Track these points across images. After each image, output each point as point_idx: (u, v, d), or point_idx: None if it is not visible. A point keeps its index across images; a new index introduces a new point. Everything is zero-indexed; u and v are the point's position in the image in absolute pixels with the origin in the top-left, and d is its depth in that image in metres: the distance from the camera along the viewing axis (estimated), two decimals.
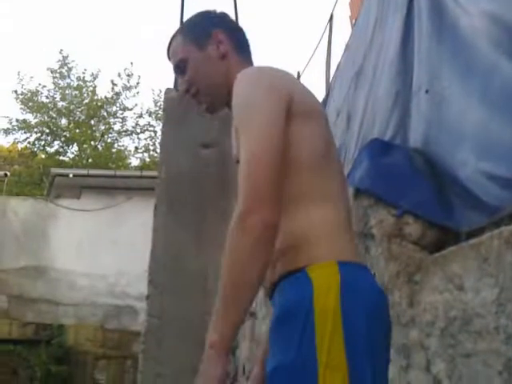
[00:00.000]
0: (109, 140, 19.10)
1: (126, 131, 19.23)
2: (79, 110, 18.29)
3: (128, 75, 18.51)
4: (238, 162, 1.56)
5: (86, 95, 18.44)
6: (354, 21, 4.94)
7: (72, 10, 30.47)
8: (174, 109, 3.55)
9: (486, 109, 2.11)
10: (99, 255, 10.70)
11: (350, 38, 4.66)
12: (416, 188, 2.40)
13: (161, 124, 17.31)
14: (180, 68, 1.72)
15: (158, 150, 18.35)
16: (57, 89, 18.22)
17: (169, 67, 1.76)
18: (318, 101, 1.65)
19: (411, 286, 2.17)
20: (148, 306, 3.30)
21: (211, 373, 1.28)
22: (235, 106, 1.49)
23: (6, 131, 17.70)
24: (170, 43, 1.77)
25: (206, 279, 3.26)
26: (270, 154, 1.35)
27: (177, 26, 3.85)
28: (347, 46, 4.71)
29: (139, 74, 19.05)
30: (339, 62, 4.95)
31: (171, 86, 3.68)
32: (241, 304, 1.31)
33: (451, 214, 2.26)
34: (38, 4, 31.00)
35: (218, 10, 1.81)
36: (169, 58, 1.77)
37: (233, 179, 3.47)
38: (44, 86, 18.06)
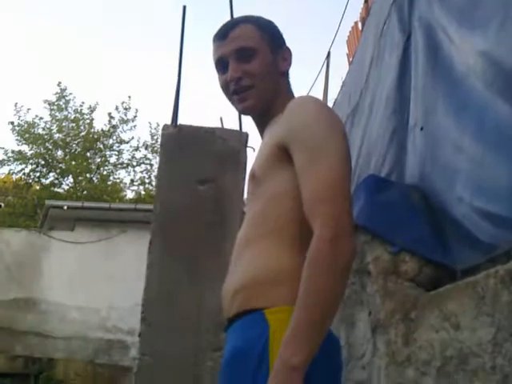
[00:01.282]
0: (104, 172, 19.13)
1: (121, 164, 19.28)
2: (75, 142, 18.34)
3: (125, 109, 18.65)
4: (253, 177, 1.55)
5: (82, 128, 18.52)
6: (351, 58, 5.01)
7: (71, 43, 30.81)
8: (170, 144, 3.56)
9: (481, 147, 2.13)
10: (92, 288, 10.59)
11: (347, 75, 4.72)
12: (412, 225, 2.40)
13: (157, 157, 17.36)
14: (243, 54, 1.59)
15: (154, 184, 18.38)
16: (54, 121, 18.31)
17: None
18: None
19: (407, 323, 2.15)
20: (140, 344, 3.24)
21: None
22: (304, 128, 1.43)
23: (1, 162, 17.72)
24: (235, 25, 1.64)
25: (199, 317, 3.22)
26: (348, 182, 1.37)
27: (176, 56, 3.91)
28: (344, 83, 4.77)
29: (136, 108, 19.08)
30: (336, 98, 5.00)
31: (168, 121, 3.71)
32: (326, 326, 1.27)
33: (447, 251, 2.25)
34: (36, 36, 31.36)
35: None
36: (223, 37, 1.62)
37: (229, 216, 3.49)
38: (41, 118, 18.17)
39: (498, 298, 1.64)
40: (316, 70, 6.14)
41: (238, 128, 3.67)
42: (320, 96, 5.60)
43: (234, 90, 1.61)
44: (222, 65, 1.63)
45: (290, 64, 1.69)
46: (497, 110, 2.03)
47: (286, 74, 1.68)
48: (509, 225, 1.87)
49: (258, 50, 1.60)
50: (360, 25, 5.01)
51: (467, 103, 2.25)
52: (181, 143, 3.54)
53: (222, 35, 1.63)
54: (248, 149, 3.52)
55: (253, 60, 1.59)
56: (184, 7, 3.88)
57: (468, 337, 1.76)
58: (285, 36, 1.72)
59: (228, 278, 1.53)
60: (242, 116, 3.49)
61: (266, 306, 1.36)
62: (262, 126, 1.67)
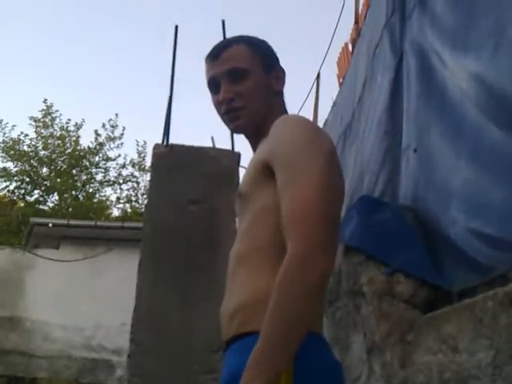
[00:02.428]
0: (90, 190, 19.02)
1: (108, 181, 19.19)
2: (61, 159, 18.24)
3: (112, 126, 18.61)
4: (240, 195, 1.54)
5: (68, 145, 18.43)
6: (341, 79, 5.05)
7: (57, 59, 30.72)
8: (162, 164, 3.54)
9: (474, 169, 2.14)
10: (77, 307, 10.44)
11: (338, 95, 4.75)
12: (406, 246, 2.40)
13: (144, 175, 17.19)
14: (235, 75, 1.59)
15: (141, 201, 18.24)
16: (39, 138, 18.22)
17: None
18: None
19: (403, 346, 2.15)
20: (129, 365, 3.19)
21: None
22: (284, 145, 1.41)
23: None
24: (227, 45, 1.64)
25: (190, 339, 3.18)
26: (326, 201, 1.31)
27: (168, 71, 3.90)
28: (334, 103, 4.80)
29: (124, 126, 19.01)
30: (326, 119, 5.02)
31: (156, 139, 3.70)
32: (290, 348, 1.21)
33: (442, 272, 2.26)
34: (21, 51, 31.23)
35: None
36: (215, 57, 1.62)
37: (221, 236, 3.47)
38: (26, 135, 18.06)
39: (497, 320, 1.64)
40: (306, 91, 6.17)
41: (229, 148, 3.67)
42: (310, 116, 5.63)
43: (226, 111, 1.61)
44: (214, 85, 1.63)
45: (283, 83, 1.69)
46: (490, 134, 2.05)
47: (279, 93, 1.69)
48: (505, 246, 1.88)
49: (251, 71, 1.60)
50: (350, 46, 5.05)
51: (461, 125, 2.27)
52: (172, 163, 3.53)
53: (215, 55, 1.63)
54: (240, 169, 3.52)
55: (245, 81, 1.59)
56: (176, 27, 3.90)
57: (467, 359, 1.75)
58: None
59: (225, 299, 1.52)
60: (234, 136, 3.50)
61: None
62: (255, 145, 1.66)
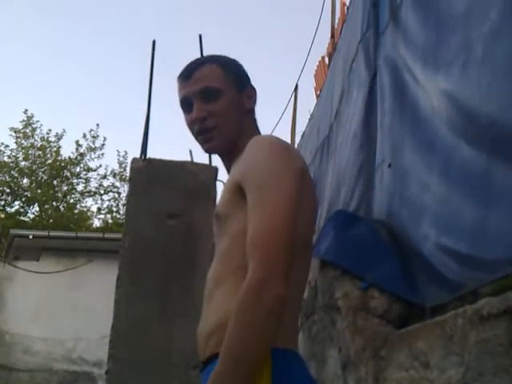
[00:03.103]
0: (71, 201, 18.91)
1: (89, 192, 19.09)
2: (42, 170, 18.13)
3: (93, 137, 18.55)
4: (217, 216, 1.54)
5: (49, 155, 18.34)
6: (318, 91, 5.08)
7: (38, 69, 30.55)
8: (139, 178, 3.54)
9: (445, 185, 2.17)
10: (57, 319, 10.36)
11: (315, 107, 4.77)
12: (381, 261, 2.42)
13: (125, 185, 17.06)
14: (207, 94, 1.60)
15: (122, 212, 18.12)
16: (20, 149, 18.11)
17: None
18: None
19: (377, 361, 2.16)
20: (108, 382, 3.17)
21: None
22: (254, 168, 1.43)
23: None
24: (199, 65, 1.65)
25: (169, 354, 3.17)
26: (288, 228, 1.32)
27: (146, 84, 3.90)
28: (312, 116, 4.82)
29: (104, 136, 18.95)
30: (304, 131, 5.04)
31: (137, 149, 3.70)
32: (242, 376, 1.21)
33: (415, 288, 2.27)
34: (1, 63, 31.02)
35: None
36: (187, 77, 1.64)
37: (199, 251, 3.47)
38: (7, 146, 17.97)
39: (467, 338, 1.66)
40: (283, 103, 6.19)
41: (207, 162, 3.67)
42: (288, 128, 5.66)
43: (199, 131, 1.62)
44: (186, 104, 1.64)
45: (255, 102, 1.71)
46: (460, 150, 2.07)
47: (251, 112, 1.70)
48: (475, 264, 1.90)
49: (223, 90, 1.61)
50: (327, 59, 5.09)
51: (433, 142, 2.30)
52: (150, 177, 3.52)
53: (187, 75, 1.64)
54: (218, 183, 3.53)
55: (217, 100, 1.60)
56: (153, 42, 3.91)
57: (437, 376, 1.77)
58: (252, 69, 1.74)
59: (201, 319, 1.52)
60: None
61: None
62: (228, 164, 1.67)
